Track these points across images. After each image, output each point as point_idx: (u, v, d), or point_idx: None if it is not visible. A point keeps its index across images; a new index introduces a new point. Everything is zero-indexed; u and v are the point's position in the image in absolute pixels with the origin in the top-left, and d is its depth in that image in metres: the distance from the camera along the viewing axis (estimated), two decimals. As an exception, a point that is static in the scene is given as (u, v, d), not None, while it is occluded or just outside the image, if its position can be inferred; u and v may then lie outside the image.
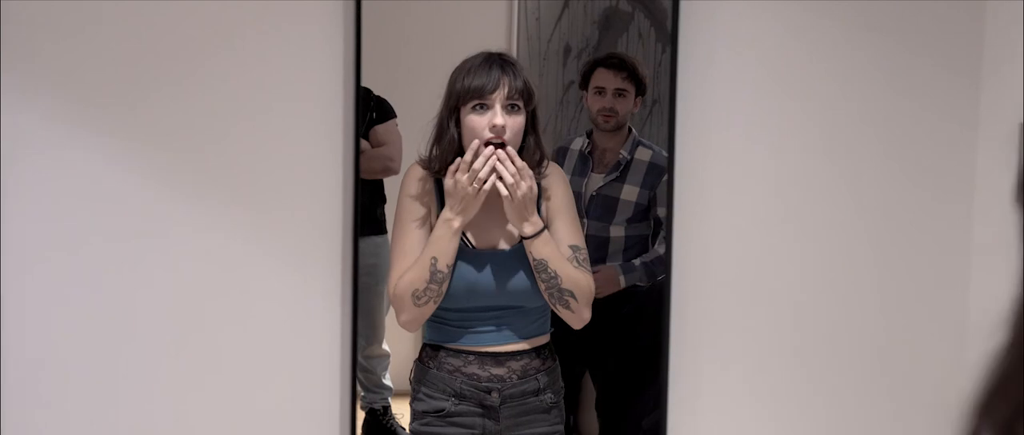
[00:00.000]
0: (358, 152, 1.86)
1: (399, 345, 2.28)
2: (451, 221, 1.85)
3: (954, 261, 2.04)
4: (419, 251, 1.87)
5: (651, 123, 2.33)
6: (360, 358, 2.20)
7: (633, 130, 2.16)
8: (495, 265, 1.90)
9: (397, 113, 2.11)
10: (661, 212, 2.14)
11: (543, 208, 1.94)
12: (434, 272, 1.84)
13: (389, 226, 2.18)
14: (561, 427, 1.98)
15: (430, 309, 1.86)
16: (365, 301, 2.06)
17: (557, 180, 1.96)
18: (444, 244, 1.84)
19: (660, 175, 2.11)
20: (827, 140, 2.00)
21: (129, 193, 1.85)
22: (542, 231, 1.86)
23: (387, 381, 2.25)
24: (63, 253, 1.85)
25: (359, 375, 2.21)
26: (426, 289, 1.84)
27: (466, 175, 1.81)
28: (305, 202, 1.89)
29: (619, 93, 2.13)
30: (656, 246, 2.12)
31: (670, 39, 1.95)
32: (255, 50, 1.86)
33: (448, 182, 1.84)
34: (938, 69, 2.01)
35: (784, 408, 2.04)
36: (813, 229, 2.02)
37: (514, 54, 2.21)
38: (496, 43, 2.11)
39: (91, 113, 1.83)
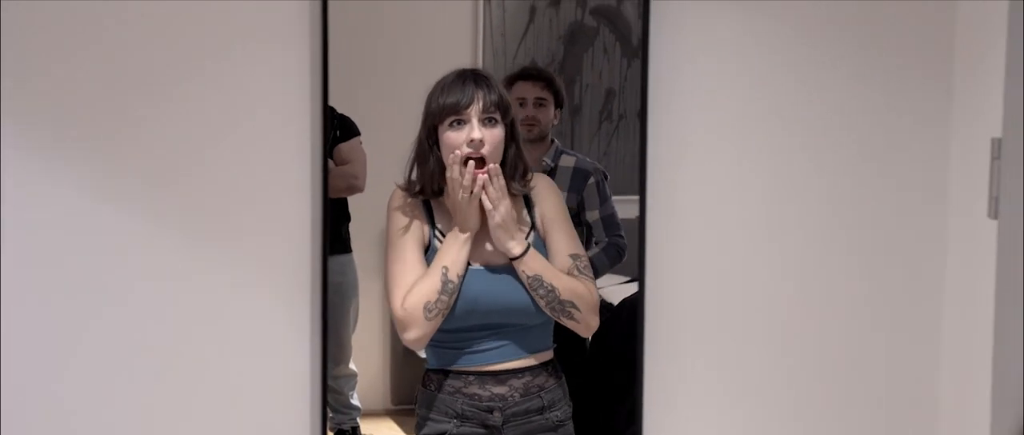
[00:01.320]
0: (326, 171, 1.85)
1: (366, 365, 2.27)
2: (459, 233, 1.86)
3: (928, 267, 2.03)
4: (420, 265, 1.87)
5: (617, 137, 2.33)
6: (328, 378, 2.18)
7: (556, 141, 2.21)
8: (492, 282, 1.88)
9: (361, 131, 2.10)
10: (591, 216, 2.19)
11: (537, 217, 1.93)
12: (445, 282, 1.83)
13: (355, 245, 2.17)
14: None
15: (438, 323, 1.85)
16: (332, 320, 2.04)
17: (547, 190, 1.96)
18: (454, 254, 1.85)
19: (585, 179, 2.18)
20: (800, 148, 2.00)
21: (96, 216, 1.83)
22: (528, 249, 1.86)
23: (355, 401, 2.23)
24: (28, 276, 1.82)
25: (328, 396, 2.19)
26: (437, 301, 1.83)
27: (456, 194, 1.82)
28: (273, 222, 1.87)
29: (539, 103, 2.19)
30: (587, 251, 2.13)
31: (640, 48, 1.95)
32: (221, 71, 1.84)
33: (448, 201, 1.86)
34: (912, 79, 2.01)
35: (762, 418, 2.03)
36: (786, 237, 2.02)
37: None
38: (462, 59, 2.11)
39: (59, 139, 1.80)
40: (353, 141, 2.08)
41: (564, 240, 1.93)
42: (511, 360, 1.91)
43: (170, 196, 1.84)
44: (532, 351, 1.92)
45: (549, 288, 1.86)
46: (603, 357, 2.16)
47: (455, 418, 1.90)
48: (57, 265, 1.83)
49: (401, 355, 2.28)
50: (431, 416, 1.92)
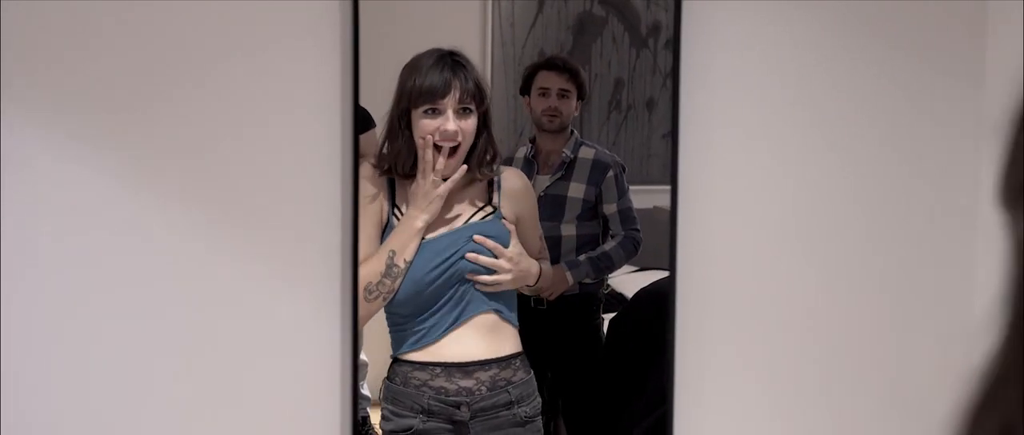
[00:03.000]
0: (356, 165, 1.84)
1: (377, 355, 2.26)
2: (415, 219, 1.84)
3: (959, 263, 2.05)
4: (370, 247, 1.86)
5: (626, 127, 2.33)
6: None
7: (575, 132, 2.21)
8: (444, 245, 1.89)
9: (377, 123, 2.08)
10: (608, 209, 2.19)
11: (506, 208, 1.94)
12: (390, 266, 1.82)
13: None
14: None
15: (378, 306, 1.85)
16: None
17: (525, 193, 1.99)
18: (405, 239, 1.84)
19: (604, 172, 2.18)
20: (829, 141, 2.00)
21: (126, 208, 1.80)
22: (540, 277, 1.94)
23: (365, 391, 2.23)
24: (56, 266, 1.80)
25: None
26: (379, 284, 1.83)
27: (426, 177, 1.82)
28: (304, 215, 1.85)
29: (562, 94, 2.18)
30: (604, 244, 2.17)
31: (672, 41, 1.93)
32: (252, 64, 1.82)
33: (413, 186, 1.85)
34: (941, 71, 2.02)
35: (793, 409, 2.05)
36: (817, 230, 2.02)
37: (488, 59, 2.20)
38: (471, 48, 2.09)
39: (88, 128, 1.78)
40: (369, 133, 2.06)
41: (537, 228, 2.00)
42: (480, 312, 1.89)
43: (200, 191, 1.82)
44: (498, 302, 1.91)
45: (539, 292, 1.97)
46: (619, 349, 2.17)
47: (421, 413, 1.89)
48: (79, 260, 1.81)
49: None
50: (396, 411, 1.90)
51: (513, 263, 1.89)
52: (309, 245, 1.85)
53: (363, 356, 2.22)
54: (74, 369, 1.82)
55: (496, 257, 1.89)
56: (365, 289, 1.82)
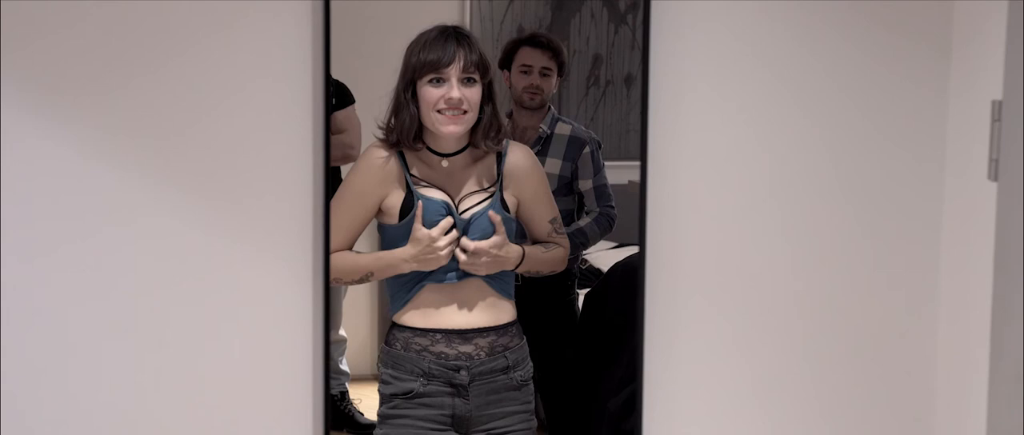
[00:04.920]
0: (328, 140, 1.84)
1: (356, 330, 2.27)
2: (402, 264, 1.93)
3: (926, 228, 2.05)
4: (352, 231, 1.94)
5: (604, 103, 2.34)
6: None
7: (552, 108, 2.22)
8: (440, 210, 1.93)
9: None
10: (583, 185, 2.20)
11: (507, 191, 1.96)
12: (364, 279, 1.96)
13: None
14: (532, 406, 2.01)
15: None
16: (323, 287, 2.04)
17: (533, 170, 2.01)
18: (384, 268, 1.95)
19: (581, 148, 2.20)
20: (799, 111, 2.00)
21: (99, 184, 1.81)
22: (521, 262, 1.97)
23: (344, 366, 2.24)
24: (33, 245, 1.81)
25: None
26: (350, 282, 1.99)
27: (441, 241, 1.90)
28: (275, 191, 1.85)
29: (544, 72, 2.19)
30: (579, 220, 2.18)
31: (643, 17, 1.93)
32: (224, 39, 1.81)
33: (421, 232, 1.90)
34: (911, 40, 2.01)
35: (761, 381, 2.06)
36: (785, 200, 2.02)
37: (467, 34, 2.20)
38: (450, 23, 2.09)
39: (62, 105, 1.78)
40: (348, 109, 2.07)
41: (545, 210, 2.01)
42: (468, 275, 1.94)
43: (170, 165, 1.82)
44: (491, 278, 1.96)
45: (536, 273, 2.00)
46: (594, 323, 2.19)
47: (421, 376, 1.93)
48: (56, 237, 1.81)
49: (389, 322, 2.29)
50: (396, 375, 1.94)
51: (489, 256, 1.92)
52: (282, 218, 1.86)
53: (342, 332, 2.24)
54: (45, 336, 1.83)
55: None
56: (335, 279, 1.90)
